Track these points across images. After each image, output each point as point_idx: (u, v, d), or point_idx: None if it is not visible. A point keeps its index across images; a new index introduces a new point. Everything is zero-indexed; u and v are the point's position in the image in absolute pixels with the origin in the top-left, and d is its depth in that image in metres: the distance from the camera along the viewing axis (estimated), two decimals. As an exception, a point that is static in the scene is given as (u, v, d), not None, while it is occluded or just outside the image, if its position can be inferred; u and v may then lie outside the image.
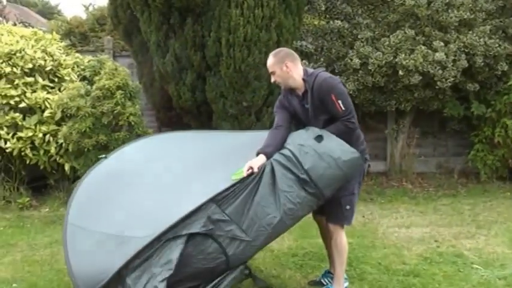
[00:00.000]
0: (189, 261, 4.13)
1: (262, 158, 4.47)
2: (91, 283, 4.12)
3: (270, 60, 4.90)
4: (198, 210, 4.14)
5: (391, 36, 9.20)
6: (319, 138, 4.53)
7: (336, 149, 4.48)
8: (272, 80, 4.96)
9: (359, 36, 9.39)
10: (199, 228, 4.12)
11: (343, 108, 4.61)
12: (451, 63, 9.00)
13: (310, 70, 4.90)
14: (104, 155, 5.49)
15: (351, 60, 9.22)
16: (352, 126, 4.69)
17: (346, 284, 5.16)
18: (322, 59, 9.49)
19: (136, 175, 5.04)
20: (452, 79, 9.07)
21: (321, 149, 4.46)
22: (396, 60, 9.03)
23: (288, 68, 4.81)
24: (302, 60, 9.27)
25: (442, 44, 9.03)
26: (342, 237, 4.93)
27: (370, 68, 9.16)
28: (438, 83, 9.08)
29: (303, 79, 4.80)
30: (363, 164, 4.95)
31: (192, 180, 4.70)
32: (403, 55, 8.99)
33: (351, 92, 9.32)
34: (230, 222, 4.20)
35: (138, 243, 4.05)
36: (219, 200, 4.22)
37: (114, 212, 4.58)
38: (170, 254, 4.01)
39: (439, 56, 8.88)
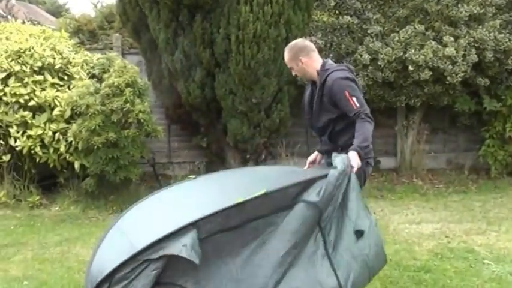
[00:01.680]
0: None
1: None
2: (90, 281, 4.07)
3: (286, 56, 4.87)
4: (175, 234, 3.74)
5: (400, 31, 9.14)
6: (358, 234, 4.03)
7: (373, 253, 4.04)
8: (293, 73, 4.95)
9: (368, 32, 9.34)
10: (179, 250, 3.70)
11: (358, 105, 4.54)
12: (461, 58, 8.95)
13: (328, 64, 4.80)
14: (193, 176, 5.41)
15: (361, 56, 9.17)
16: (371, 118, 4.59)
17: None
18: (331, 55, 9.45)
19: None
20: (463, 74, 9.02)
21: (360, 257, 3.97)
22: (406, 55, 8.98)
23: (303, 63, 4.78)
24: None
25: (452, 39, 8.97)
26: None
27: (379, 63, 9.10)
28: (448, 78, 9.03)
29: (320, 71, 4.73)
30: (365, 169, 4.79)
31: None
32: (413, 50, 8.93)
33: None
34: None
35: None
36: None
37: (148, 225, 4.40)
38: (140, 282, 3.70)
39: (449, 51, 8.82)
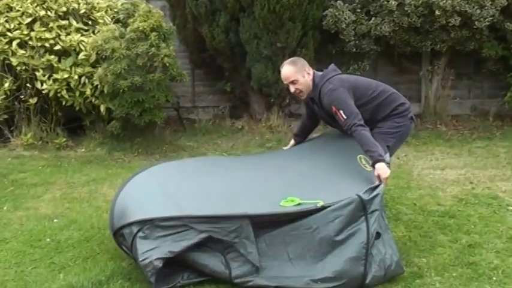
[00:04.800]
0: (190, 258, 4.10)
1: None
2: (114, 220, 4.40)
3: (290, 70, 4.82)
4: (233, 218, 4.05)
5: (428, -25, 9.01)
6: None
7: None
8: (292, 89, 4.89)
9: (395, -24, 9.21)
10: (225, 235, 4.03)
11: (345, 117, 4.57)
12: (490, 2, 8.82)
13: (316, 77, 4.86)
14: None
15: (387, 1, 9.05)
16: (359, 124, 4.56)
17: None
18: (357, 1, 9.36)
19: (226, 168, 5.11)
20: (491, 18, 8.89)
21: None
22: (433, 0, 8.85)
23: (309, 75, 4.82)
24: (336, 0, 9.24)
25: (480, -18, 8.84)
26: None
27: (406, 8, 8.99)
28: (476, 22, 8.91)
29: (315, 84, 4.83)
30: (410, 126, 5.06)
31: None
32: (440, -5, 8.82)
33: (386, 34, 9.22)
34: (254, 247, 4.06)
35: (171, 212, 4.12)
36: (256, 220, 4.09)
37: (188, 185, 4.60)
38: (182, 242, 3.98)
39: (478, -6, 8.71)
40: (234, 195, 4.36)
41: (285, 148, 5.59)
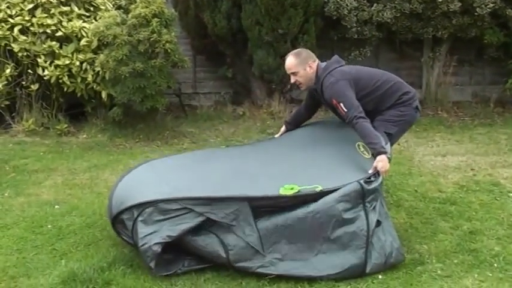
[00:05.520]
0: (189, 244, 4.14)
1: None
2: (113, 207, 4.38)
3: (292, 61, 4.84)
4: (232, 200, 4.08)
5: (430, -39, 8.99)
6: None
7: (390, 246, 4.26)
8: (292, 80, 4.92)
9: (397, -38, 9.19)
10: (222, 217, 4.06)
11: (346, 110, 4.58)
12: (492, -12, 8.82)
13: (320, 69, 4.85)
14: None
15: (389, -13, 9.07)
16: (361, 120, 4.54)
17: None
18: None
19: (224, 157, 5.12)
20: (492, 5, 8.89)
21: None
22: (435, -14, 8.85)
23: (311, 68, 4.82)
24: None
25: (482, -32, 8.81)
26: None
27: (408, -6, 9.00)
28: (477, 9, 8.91)
29: (318, 76, 4.83)
30: (415, 115, 5.06)
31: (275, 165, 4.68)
32: (442, -19, 8.80)
33: (387, 20, 9.21)
34: (254, 230, 4.09)
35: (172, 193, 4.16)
36: (256, 204, 4.14)
37: (187, 174, 4.61)
38: (180, 225, 4.02)
39: (480, -19, 8.69)
40: (233, 181, 4.36)
41: (276, 136, 5.55)
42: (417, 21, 9.49)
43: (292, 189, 4.12)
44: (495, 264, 4.29)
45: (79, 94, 8.75)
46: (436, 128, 9.14)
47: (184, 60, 8.57)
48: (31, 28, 8.45)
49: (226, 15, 9.17)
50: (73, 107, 9.11)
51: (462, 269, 4.22)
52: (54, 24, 8.50)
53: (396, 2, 9.10)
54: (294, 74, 4.84)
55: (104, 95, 8.62)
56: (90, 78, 8.51)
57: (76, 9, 8.78)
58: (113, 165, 7.19)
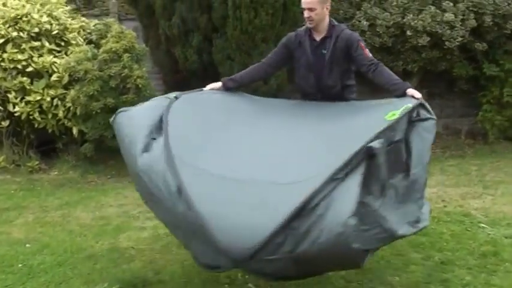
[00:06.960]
0: None
1: None
2: (235, 239, 3.29)
3: None
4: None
5: (398, -4, 9.11)
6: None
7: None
8: (306, 14, 4.83)
9: (366, -3, 9.32)
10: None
11: (370, 55, 4.79)
12: (460, 23, 8.91)
13: (334, 21, 4.93)
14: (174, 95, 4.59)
15: (359, 21, 9.15)
16: (382, 64, 4.83)
17: None
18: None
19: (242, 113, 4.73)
20: (461, 39, 9.00)
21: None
22: (404, 20, 8.96)
23: (327, 9, 4.86)
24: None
25: (451, 4, 8.91)
26: None
27: (377, 29, 9.09)
28: (446, 43, 9.01)
29: (333, 25, 4.85)
30: None
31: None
32: (411, 15, 8.91)
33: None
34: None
35: (286, 192, 3.41)
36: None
37: (227, 151, 4.01)
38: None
39: (448, 16, 8.79)
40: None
41: (205, 89, 5.13)
42: (387, 55, 9.57)
43: (394, 114, 3.95)
44: (466, 294, 4.29)
45: (50, 130, 8.72)
46: (408, 160, 9.15)
47: (156, 96, 8.56)
48: (1, 64, 8.44)
49: (197, 50, 9.19)
50: (44, 143, 9.06)
51: (433, 300, 4.22)
52: (25, 60, 8.50)
53: (366, 36, 9.18)
54: (311, 9, 4.79)
55: (75, 131, 8.58)
56: (61, 114, 8.48)
57: (47, 44, 8.77)
58: (85, 202, 7.13)
